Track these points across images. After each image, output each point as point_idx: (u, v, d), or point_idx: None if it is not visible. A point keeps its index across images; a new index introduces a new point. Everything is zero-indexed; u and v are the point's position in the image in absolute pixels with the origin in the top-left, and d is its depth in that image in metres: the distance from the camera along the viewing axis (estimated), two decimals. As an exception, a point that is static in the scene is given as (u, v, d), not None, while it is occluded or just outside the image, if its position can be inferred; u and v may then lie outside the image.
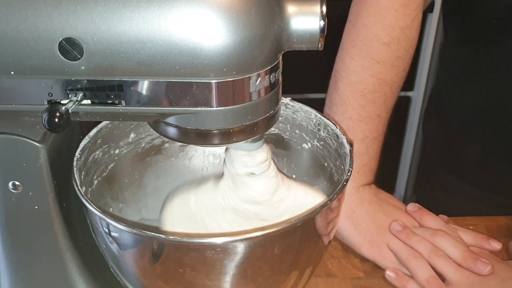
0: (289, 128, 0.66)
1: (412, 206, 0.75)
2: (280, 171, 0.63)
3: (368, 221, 0.73)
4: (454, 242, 0.69)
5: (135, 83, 0.45)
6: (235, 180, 0.59)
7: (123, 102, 0.46)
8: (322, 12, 0.45)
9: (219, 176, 0.62)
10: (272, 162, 0.60)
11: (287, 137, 0.67)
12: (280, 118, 0.63)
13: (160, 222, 0.62)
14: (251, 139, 0.55)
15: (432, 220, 0.73)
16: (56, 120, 0.45)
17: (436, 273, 0.68)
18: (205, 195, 0.62)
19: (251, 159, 0.58)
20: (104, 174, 0.62)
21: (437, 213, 0.76)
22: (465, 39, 0.89)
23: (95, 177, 0.60)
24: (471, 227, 0.77)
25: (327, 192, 0.64)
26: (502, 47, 0.82)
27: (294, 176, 0.69)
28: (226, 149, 0.60)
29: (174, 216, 0.62)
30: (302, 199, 0.61)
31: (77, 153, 0.56)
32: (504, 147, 0.89)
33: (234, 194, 0.60)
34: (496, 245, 0.71)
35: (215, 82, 0.44)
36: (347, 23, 0.75)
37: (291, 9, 0.45)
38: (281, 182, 0.61)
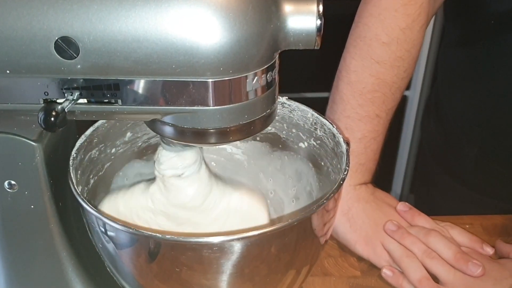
0: (285, 127, 0.66)
1: (402, 206, 0.75)
2: (215, 174, 0.60)
3: (364, 218, 0.73)
4: (447, 243, 0.70)
5: (131, 82, 0.45)
6: (165, 183, 0.58)
7: (119, 101, 0.46)
8: (318, 11, 0.45)
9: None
10: (204, 164, 0.59)
11: (284, 136, 0.67)
12: (276, 117, 0.63)
13: None
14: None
15: (423, 221, 0.73)
16: (52, 119, 0.45)
17: (430, 274, 0.68)
18: (134, 198, 0.60)
19: (180, 160, 0.56)
20: (101, 173, 0.62)
21: (433, 213, 0.76)
22: (465, 41, 0.89)
23: (91, 176, 0.60)
24: (467, 226, 0.77)
25: (326, 191, 0.64)
26: (502, 49, 0.82)
27: (294, 178, 0.69)
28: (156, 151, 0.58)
29: None
30: (236, 204, 0.60)
31: (73, 152, 0.56)
32: (501, 150, 0.89)
33: (165, 199, 0.59)
34: (489, 250, 0.71)
35: (211, 81, 0.44)
36: (353, 23, 0.76)
37: (287, 8, 0.45)
38: (215, 186, 0.60)
